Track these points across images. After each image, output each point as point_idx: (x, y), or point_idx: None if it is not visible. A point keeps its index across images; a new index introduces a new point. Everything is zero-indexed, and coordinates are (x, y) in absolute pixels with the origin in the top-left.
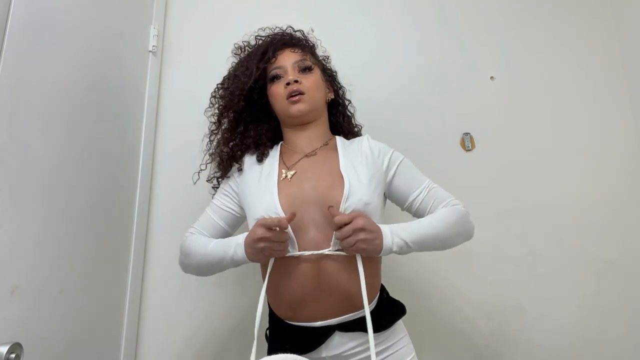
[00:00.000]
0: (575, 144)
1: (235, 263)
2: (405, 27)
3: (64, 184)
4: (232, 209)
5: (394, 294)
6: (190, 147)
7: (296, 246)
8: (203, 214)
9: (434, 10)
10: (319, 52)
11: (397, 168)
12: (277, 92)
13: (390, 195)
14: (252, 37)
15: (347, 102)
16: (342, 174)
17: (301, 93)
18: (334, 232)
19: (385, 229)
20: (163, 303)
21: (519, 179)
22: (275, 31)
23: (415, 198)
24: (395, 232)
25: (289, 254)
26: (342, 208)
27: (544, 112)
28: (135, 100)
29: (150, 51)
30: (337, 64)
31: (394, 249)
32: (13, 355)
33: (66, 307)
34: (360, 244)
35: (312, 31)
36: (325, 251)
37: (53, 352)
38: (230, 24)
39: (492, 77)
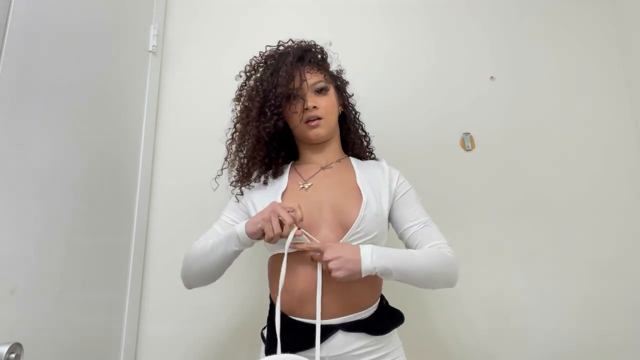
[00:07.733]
0: (576, 144)
1: (237, 241)
2: (405, 28)
3: (63, 184)
4: None
5: (393, 294)
6: (190, 147)
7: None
8: (210, 230)
9: (433, 10)
10: (334, 65)
11: (403, 195)
12: (295, 114)
13: (390, 217)
14: (265, 52)
15: (355, 114)
16: (359, 186)
17: (319, 118)
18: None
19: (366, 249)
20: (163, 303)
21: (519, 179)
22: (291, 44)
23: (410, 227)
24: (377, 253)
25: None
26: (359, 217)
27: (544, 112)
28: (135, 100)
29: (150, 51)
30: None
31: (377, 269)
32: (13, 355)
33: (66, 307)
34: (335, 272)
35: (330, 44)
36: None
37: (53, 352)
38: (230, 24)
39: (492, 77)
